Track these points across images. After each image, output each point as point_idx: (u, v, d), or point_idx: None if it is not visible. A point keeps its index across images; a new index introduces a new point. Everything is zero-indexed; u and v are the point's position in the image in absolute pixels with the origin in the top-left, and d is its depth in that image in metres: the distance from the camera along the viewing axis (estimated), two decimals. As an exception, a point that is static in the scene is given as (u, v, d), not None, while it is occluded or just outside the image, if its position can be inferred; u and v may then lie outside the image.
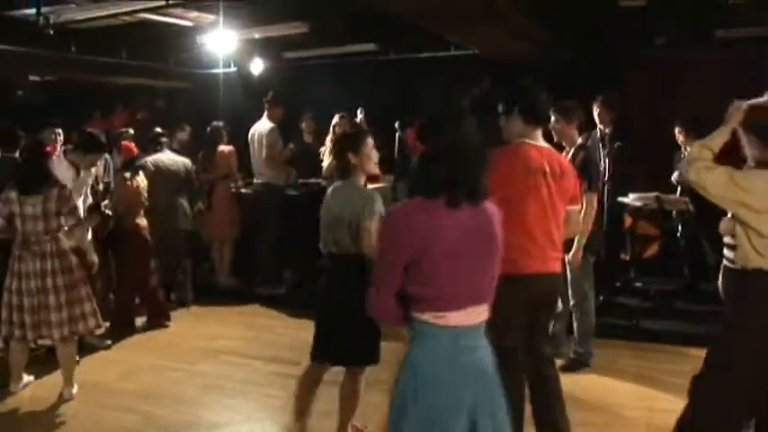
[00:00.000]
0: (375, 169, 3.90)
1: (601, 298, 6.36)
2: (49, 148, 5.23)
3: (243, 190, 7.84)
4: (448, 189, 2.21)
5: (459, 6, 5.78)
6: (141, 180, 6.33)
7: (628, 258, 7.08)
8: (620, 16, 7.07)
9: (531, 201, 3.42)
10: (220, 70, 9.27)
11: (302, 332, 5.41)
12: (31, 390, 4.96)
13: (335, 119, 7.53)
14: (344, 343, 3.72)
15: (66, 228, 4.70)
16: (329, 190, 3.86)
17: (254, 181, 7.75)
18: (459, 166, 2.23)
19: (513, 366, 3.44)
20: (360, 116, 7.58)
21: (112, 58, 8.90)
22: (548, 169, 3.45)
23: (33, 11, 6.94)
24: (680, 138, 6.48)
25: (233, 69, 9.48)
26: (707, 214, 4.15)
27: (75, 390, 4.86)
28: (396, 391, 2.29)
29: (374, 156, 3.79)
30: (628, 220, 6.92)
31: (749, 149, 3.24)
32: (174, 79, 10.40)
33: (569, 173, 3.58)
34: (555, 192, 3.47)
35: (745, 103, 3.27)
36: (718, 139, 3.29)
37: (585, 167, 4.81)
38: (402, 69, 9.17)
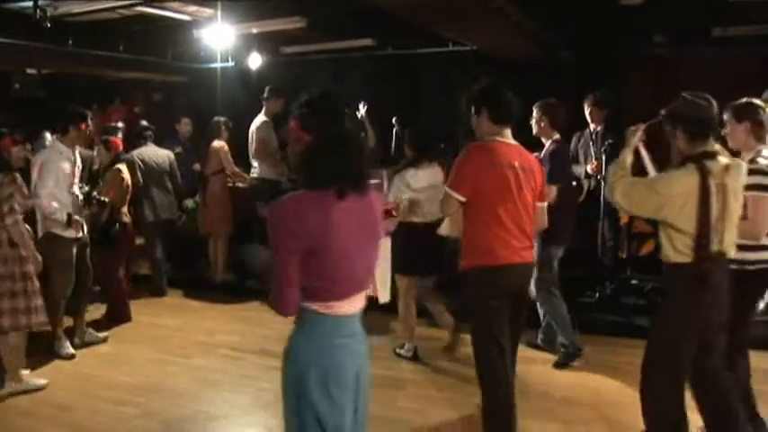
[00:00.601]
0: None
1: (597, 295, 6.43)
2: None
3: (239, 185, 7.84)
4: (337, 181, 2.21)
5: (455, 3, 5.78)
6: (126, 173, 6.36)
7: (624, 256, 7.11)
8: (619, 14, 7.07)
9: (502, 194, 3.57)
10: (218, 64, 9.25)
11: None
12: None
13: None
14: None
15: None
16: None
17: (251, 175, 7.74)
18: (347, 158, 2.24)
19: (500, 358, 3.62)
20: (362, 110, 7.55)
21: (110, 52, 8.90)
22: (517, 164, 3.61)
23: (30, 3, 6.93)
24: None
25: (230, 64, 9.47)
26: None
27: (19, 386, 4.75)
28: (288, 379, 2.31)
29: None
30: (624, 218, 6.95)
31: (675, 146, 3.31)
32: (171, 73, 10.38)
33: (537, 169, 3.76)
34: (525, 186, 3.63)
35: (641, 127, 3.48)
36: (627, 160, 3.44)
37: (549, 160, 4.96)
38: (400, 65, 9.17)
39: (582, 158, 6.56)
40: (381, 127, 7.38)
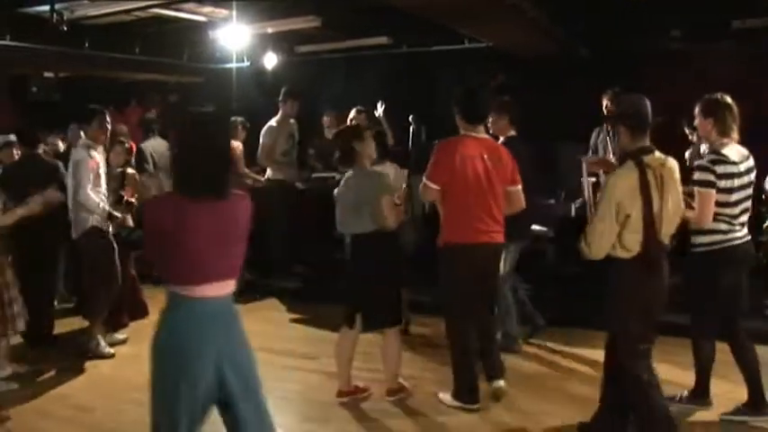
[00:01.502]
0: (374, 154, 4.54)
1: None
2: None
3: (258, 185, 7.84)
4: (191, 183, 2.58)
5: (468, 0, 5.76)
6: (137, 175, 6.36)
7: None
8: (636, 8, 7.01)
9: (472, 182, 4.12)
10: (233, 65, 9.29)
11: (317, 326, 5.46)
12: (49, 384, 4.98)
13: (352, 113, 7.44)
14: (378, 309, 4.30)
15: None
16: (343, 180, 4.33)
17: (266, 176, 7.74)
18: (197, 164, 2.59)
19: (467, 322, 4.29)
20: (380, 109, 7.51)
21: (126, 54, 8.95)
22: (486, 156, 4.17)
23: (47, 7, 6.98)
24: (691, 136, 6.45)
25: (246, 64, 9.49)
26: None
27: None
28: (155, 348, 2.64)
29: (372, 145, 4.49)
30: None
31: (619, 144, 3.58)
32: (187, 74, 10.43)
33: (506, 159, 4.29)
34: (493, 175, 4.17)
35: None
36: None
37: None
38: (415, 62, 9.15)
39: (601, 153, 6.50)
40: (398, 125, 7.35)
